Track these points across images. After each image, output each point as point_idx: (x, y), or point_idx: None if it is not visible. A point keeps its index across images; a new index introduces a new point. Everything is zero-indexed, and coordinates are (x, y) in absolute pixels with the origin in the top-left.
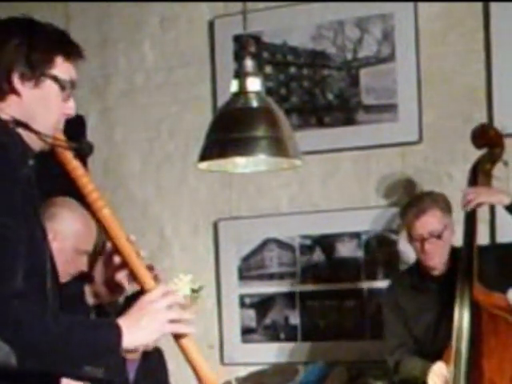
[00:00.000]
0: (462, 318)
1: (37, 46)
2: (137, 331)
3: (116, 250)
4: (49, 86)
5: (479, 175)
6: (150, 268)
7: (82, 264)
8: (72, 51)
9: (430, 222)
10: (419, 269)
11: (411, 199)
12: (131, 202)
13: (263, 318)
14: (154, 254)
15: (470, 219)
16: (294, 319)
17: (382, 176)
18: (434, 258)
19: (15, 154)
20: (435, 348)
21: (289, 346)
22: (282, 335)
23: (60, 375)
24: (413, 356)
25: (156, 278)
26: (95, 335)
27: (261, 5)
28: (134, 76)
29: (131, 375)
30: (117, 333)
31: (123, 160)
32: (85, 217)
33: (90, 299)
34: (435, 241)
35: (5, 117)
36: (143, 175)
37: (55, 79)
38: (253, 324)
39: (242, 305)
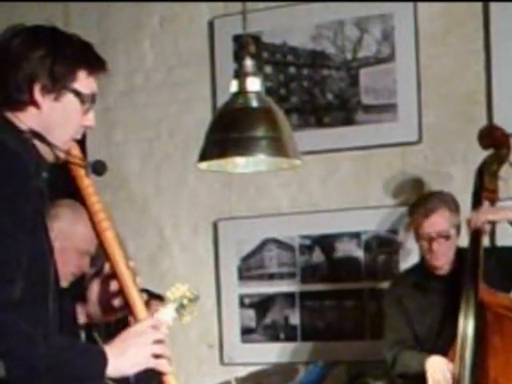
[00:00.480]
0: (466, 327)
1: (61, 58)
2: (121, 361)
3: (113, 275)
4: (69, 99)
5: (485, 176)
6: (142, 291)
7: (84, 265)
8: (96, 65)
9: (438, 221)
10: (424, 268)
11: (420, 198)
12: (131, 202)
13: (263, 318)
14: (153, 254)
15: None
16: (294, 319)
17: (381, 176)
18: (440, 258)
19: (29, 166)
20: (438, 348)
21: (288, 345)
22: (282, 335)
23: None
24: (410, 350)
25: (147, 305)
26: (82, 360)
27: (260, 5)
28: (134, 76)
29: (131, 377)
30: (103, 360)
31: (123, 160)
32: (86, 218)
33: (81, 318)
34: (443, 241)
35: (22, 127)
36: (143, 175)
37: (77, 93)
38: (252, 324)
39: (242, 305)
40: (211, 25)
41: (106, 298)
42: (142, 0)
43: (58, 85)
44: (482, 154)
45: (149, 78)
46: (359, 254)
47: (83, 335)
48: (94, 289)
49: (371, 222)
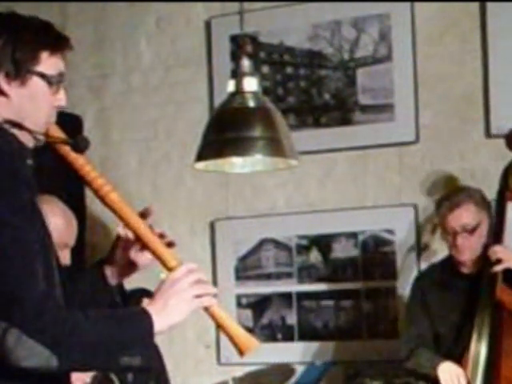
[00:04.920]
0: (479, 351)
1: (21, 44)
2: (166, 314)
3: (131, 231)
4: (36, 83)
5: (510, 178)
6: (162, 236)
7: (64, 257)
8: (57, 45)
9: (463, 215)
10: (450, 265)
11: (447, 193)
12: (128, 202)
13: (260, 318)
14: None
15: (500, 216)
16: (291, 319)
17: (378, 176)
18: (464, 252)
19: (15, 157)
20: (458, 348)
21: (285, 345)
22: (279, 335)
23: (99, 369)
24: (428, 348)
25: (170, 245)
26: (128, 326)
27: (257, 5)
28: (131, 76)
29: (130, 376)
30: (148, 321)
31: (120, 160)
32: (64, 211)
33: (112, 281)
34: (467, 236)
35: None
36: (140, 175)
37: (42, 76)
38: (250, 324)
39: (239, 305)
40: (208, 25)
41: (128, 254)
42: (138, 0)
43: (21, 70)
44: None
45: (146, 78)
46: (356, 254)
47: (118, 297)
48: (119, 251)
49: (368, 222)
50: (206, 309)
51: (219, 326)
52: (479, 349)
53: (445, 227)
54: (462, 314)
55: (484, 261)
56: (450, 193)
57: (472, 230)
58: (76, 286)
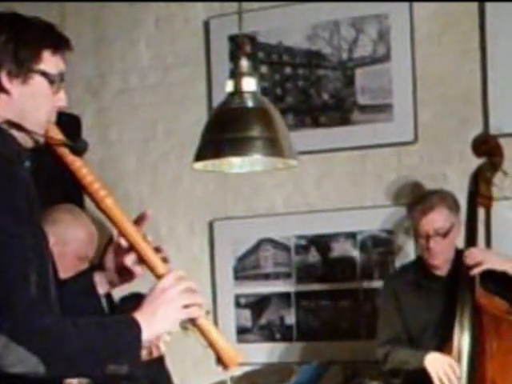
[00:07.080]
0: (461, 340)
1: (24, 42)
2: (154, 323)
3: (123, 237)
4: (37, 81)
5: (480, 183)
6: (158, 250)
7: (83, 268)
8: (60, 44)
9: (436, 219)
10: (421, 266)
11: (420, 196)
12: (127, 202)
13: (258, 318)
14: None
15: (472, 221)
16: (290, 319)
17: (377, 176)
18: (437, 256)
19: (12, 159)
20: (431, 349)
21: (284, 345)
22: (278, 335)
23: (86, 376)
24: (405, 347)
25: (164, 260)
26: (116, 335)
27: (256, 5)
28: (130, 76)
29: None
30: (136, 329)
31: (118, 160)
32: (87, 223)
33: (100, 289)
34: (440, 239)
35: None
36: (139, 175)
37: (43, 74)
38: (248, 324)
39: (238, 305)
40: (207, 25)
41: (120, 261)
42: (137, 0)
43: (23, 68)
44: None
45: (144, 77)
46: (355, 253)
47: (106, 305)
48: (110, 257)
49: (367, 222)
50: (193, 321)
51: (205, 339)
52: (461, 345)
53: (418, 231)
54: (435, 315)
55: (457, 263)
56: (422, 196)
57: (445, 234)
58: (64, 292)
